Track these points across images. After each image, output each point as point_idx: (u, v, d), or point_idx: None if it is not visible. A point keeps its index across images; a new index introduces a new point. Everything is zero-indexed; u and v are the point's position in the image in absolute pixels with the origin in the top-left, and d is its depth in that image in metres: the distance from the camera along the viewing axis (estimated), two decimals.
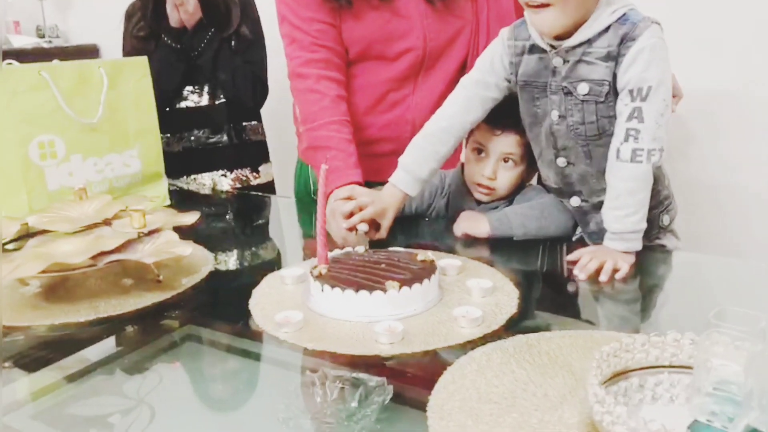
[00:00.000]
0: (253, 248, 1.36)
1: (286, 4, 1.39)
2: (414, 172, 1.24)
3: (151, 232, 1.10)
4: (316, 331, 0.91)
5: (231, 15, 1.75)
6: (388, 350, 0.86)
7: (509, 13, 1.43)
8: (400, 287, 0.94)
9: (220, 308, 1.07)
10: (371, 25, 1.37)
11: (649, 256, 1.15)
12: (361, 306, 0.93)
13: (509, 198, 1.31)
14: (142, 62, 1.49)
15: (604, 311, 1.06)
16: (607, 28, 1.09)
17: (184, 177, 1.81)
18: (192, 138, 1.81)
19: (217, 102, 1.80)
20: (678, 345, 0.76)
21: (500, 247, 1.24)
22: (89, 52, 2.89)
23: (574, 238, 1.27)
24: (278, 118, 1.89)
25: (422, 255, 1.05)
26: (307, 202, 1.61)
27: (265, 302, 1.01)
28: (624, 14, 1.09)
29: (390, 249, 1.12)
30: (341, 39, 1.39)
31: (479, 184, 1.30)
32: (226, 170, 1.84)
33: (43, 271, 0.96)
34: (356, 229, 1.20)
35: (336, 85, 1.37)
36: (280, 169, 1.97)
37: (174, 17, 1.70)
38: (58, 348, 0.93)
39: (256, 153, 1.90)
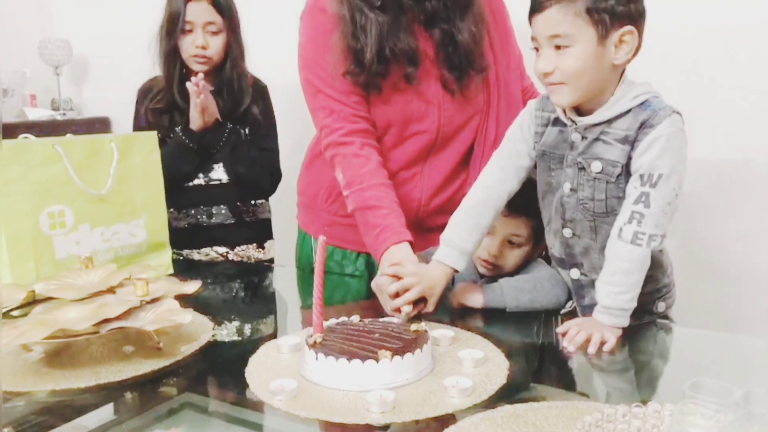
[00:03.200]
0: (252, 317, 1.39)
1: (321, 78, 1.43)
2: (459, 246, 1.26)
3: (153, 300, 1.13)
4: (309, 400, 0.94)
5: (243, 93, 1.83)
6: (379, 419, 0.88)
7: (517, 101, 1.50)
8: (392, 356, 0.97)
9: (217, 376, 1.09)
10: (395, 106, 1.43)
11: (638, 330, 1.17)
12: (353, 375, 0.96)
13: (512, 274, 1.35)
14: (151, 137, 1.55)
15: (592, 382, 1.08)
16: (628, 112, 1.13)
17: (188, 251, 1.85)
18: (199, 215, 1.85)
19: (228, 182, 1.85)
20: (658, 416, 0.78)
21: (494, 317, 1.27)
22: (101, 123, 2.99)
23: (563, 311, 1.30)
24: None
25: (415, 325, 1.08)
26: (307, 272, 1.65)
27: (261, 370, 1.04)
28: (646, 100, 1.13)
29: (384, 319, 1.15)
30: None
31: (483, 260, 1.34)
32: (230, 247, 1.88)
33: (48, 337, 1.00)
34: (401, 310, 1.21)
35: (377, 152, 1.42)
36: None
37: (196, 121, 1.75)
38: (57, 414, 0.96)
39: (262, 230, 1.95)
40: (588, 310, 1.22)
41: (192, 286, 1.21)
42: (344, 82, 1.42)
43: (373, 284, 1.29)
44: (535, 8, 1.12)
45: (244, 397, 0.98)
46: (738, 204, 1.72)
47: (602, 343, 1.10)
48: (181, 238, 1.77)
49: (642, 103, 1.13)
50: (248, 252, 1.90)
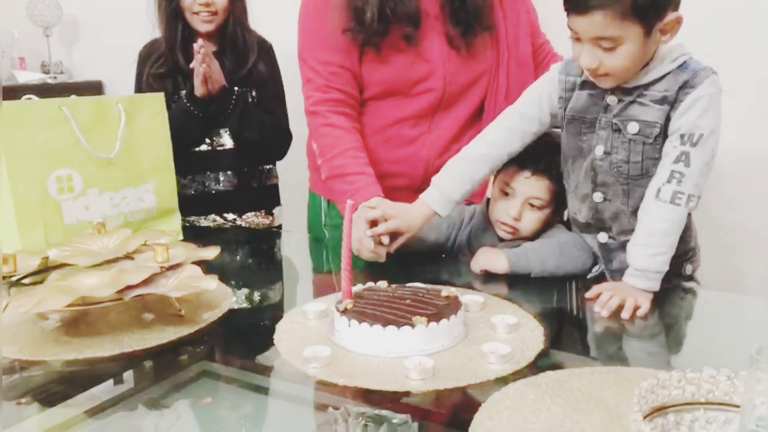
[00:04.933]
0: (269, 283, 1.36)
1: (308, 45, 1.43)
2: (447, 192, 1.25)
3: (172, 267, 1.10)
4: (345, 367, 0.91)
5: (248, 50, 1.77)
6: (419, 386, 0.86)
7: (527, 58, 1.47)
8: (428, 323, 0.94)
9: (244, 343, 1.07)
10: (395, 67, 1.40)
11: (667, 294, 1.16)
12: (389, 341, 0.93)
13: (532, 239, 1.32)
14: (158, 98, 1.50)
15: (627, 348, 1.06)
16: (666, 74, 1.11)
17: (195, 217, 1.81)
18: (205, 181, 1.80)
19: (234, 147, 1.80)
20: (714, 381, 0.76)
21: (518, 283, 1.24)
22: (93, 88, 2.90)
23: (590, 276, 1.28)
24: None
25: (446, 291, 1.06)
26: (319, 234, 1.62)
27: (290, 337, 1.01)
28: (684, 62, 1.11)
29: (411, 284, 1.12)
30: (355, 81, 1.42)
31: (504, 223, 1.32)
32: (237, 214, 1.84)
33: (69, 305, 0.96)
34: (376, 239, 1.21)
35: (346, 118, 1.41)
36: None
37: (201, 90, 1.69)
38: (78, 382, 0.93)
39: (270, 196, 1.90)
40: (617, 274, 1.20)
41: (211, 252, 1.18)
42: (326, 51, 1.40)
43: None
44: (577, 9, 1.07)
45: (276, 365, 0.95)
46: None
47: (636, 308, 1.08)
48: (187, 204, 1.71)
49: (681, 65, 1.12)
50: (256, 219, 1.86)
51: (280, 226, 1.94)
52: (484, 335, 1.00)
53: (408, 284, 1.13)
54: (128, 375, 0.96)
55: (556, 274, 1.25)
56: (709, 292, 1.23)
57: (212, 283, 1.04)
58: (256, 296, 1.26)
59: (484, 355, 0.92)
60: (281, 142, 1.85)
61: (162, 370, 0.97)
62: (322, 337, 1.00)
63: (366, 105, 1.45)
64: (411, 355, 0.91)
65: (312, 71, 1.42)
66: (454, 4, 1.38)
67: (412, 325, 0.94)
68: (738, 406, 0.75)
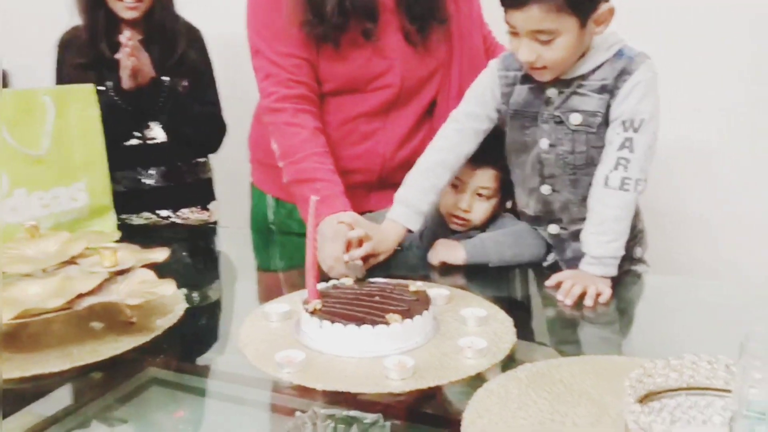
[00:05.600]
0: (220, 283, 1.31)
1: (263, 37, 1.35)
2: (415, 206, 1.23)
3: (122, 271, 1.03)
4: (321, 370, 0.88)
5: (177, 37, 1.68)
6: (401, 386, 0.84)
7: (479, 52, 1.46)
8: (403, 320, 0.92)
9: (206, 350, 1.01)
10: (353, 62, 1.36)
11: (624, 281, 1.18)
12: (364, 341, 0.91)
13: (482, 228, 1.32)
14: (88, 91, 1.41)
15: (593, 335, 1.08)
16: (602, 63, 1.13)
17: (126, 215, 1.70)
18: (136, 177, 1.70)
19: (166, 140, 1.71)
20: (695, 367, 0.78)
21: (477, 274, 1.24)
22: None
23: (545, 264, 1.29)
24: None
25: (413, 285, 1.04)
26: (264, 232, 1.56)
27: (256, 342, 0.96)
28: (619, 49, 1.14)
29: (375, 280, 1.10)
30: (316, 74, 1.37)
31: (455, 216, 1.31)
32: (173, 210, 1.75)
33: (15, 317, 0.87)
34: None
35: (312, 117, 1.35)
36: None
37: (128, 82, 1.58)
38: (27, 401, 0.85)
39: (204, 191, 1.83)
40: (571, 262, 1.22)
41: (161, 254, 1.11)
42: (287, 44, 1.34)
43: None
44: (514, 4, 1.07)
45: (247, 372, 0.91)
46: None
47: (597, 295, 1.10)
48: (117, 202, 1.61)
49: (616, 53, 1.14)
50: (192, 215, 1.78)
51: (216, 222, 1.86)
52: (456, 329, 0.98)
53: (370, 280, 1.10)
54: (81, 389, 0.90)
55: (512, 264, 1.26)
56: (660, 276, 1.27)
57: (170, 288, 0.98)
58: (209, 298, 1.21)
59: (461, 351, 0.91)
60: (217, 133, 1.77)
61: (120, 383, 0.90)
62: (290, 339, 0.96)
63: (322, 101, 1.40)
64: (387, 354, 0.89)
65: (273, 65, 1.34)
66: None
67: (387, 323, 0.91)
68: (718, 390, 0.77)
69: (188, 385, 0.92)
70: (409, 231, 1.23)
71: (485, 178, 1.30)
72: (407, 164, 1.46)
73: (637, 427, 0.66)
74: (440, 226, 1.37)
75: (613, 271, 1.14)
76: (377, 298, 1.00)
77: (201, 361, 0.98)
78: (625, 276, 1.20)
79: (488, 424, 0.75)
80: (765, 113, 1.73)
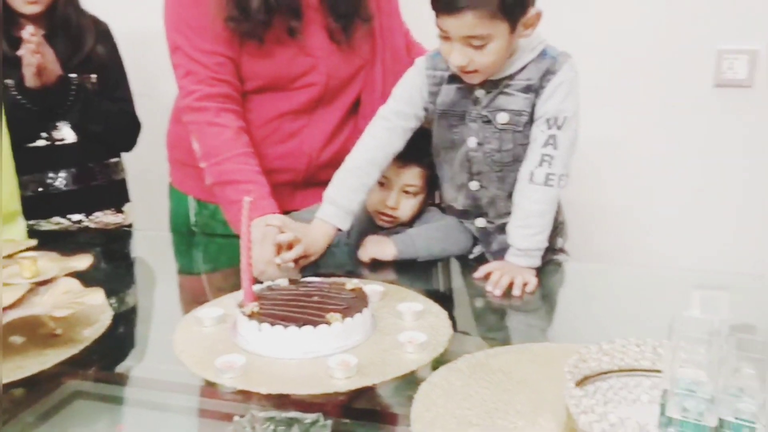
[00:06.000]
0: (144, 289, 1.26)
1: (183, 34, 1.31)
2: (344, 206, 1.22)
3: (44, 282, 0.98)
4: (263, 374, 0.87)
5: (84, 32, 1.60)
6: (346, 385, 0.84)
7: (402, 50, 1.48)
8: (343, 318, 0.93)
9: (140, 360, 0.98)
10: (277, 60, 1.34)
11: (547, 270, 1.23)
12: (305, 342, 0.91)
13: (409, 224, 1.34)
14: None
15: (522, 323, 1.12)
16: (528, 63, 1.17)
17: (35, 221, 1.61)
18: (45, 180, 1.61)
19: (76, 141, 1.62)
20: (624, 350, 0.83)
21: (405, 269, 1.26)
22: None
23: (471, 257, 1.33)
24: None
25: (350, 284, 1.04)
26: (186, 236, 1.52)
27: (192, 348, 0.94)
28: (543, 50, 1.18)
29: (310, 279, 1.09)
30: (238, 72, 1.34)
31: (382, 213, 1.32)
32: (85, 214, 1.67)
33: None
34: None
35: (235, 116, 1.32)
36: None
37: (33, 81, 1.49)
38: None
39: (118, 192, 1.75)
40: (498, 254, 1.26)
41: (83, 261, 1.06)
42: (209, 41, 1.31)
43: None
44: (448, 10, 1.09)
45: (183, 380, 0.89)
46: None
47: (524, 285, 1.14)
48: (25, 207, 1.53)
49: (540, 53, 1.18)
50: (105, 218, 1.71)
51: (131, 225, 1.80)
52: (394, 325, 1.00)
53: (305, 279, 1.10)
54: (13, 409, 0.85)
55: (440, 257, 1.29)
56: (580, 264, 1.34)
57: (98, 296, 0.94)
58: (136, 306, 1.17)
59: (401, 346, 0.92)
60: (131, 131, 1.71)
61: (50, 399, 0.86)
62: (228, 344, 0.95)
63: (245, 100, 1.37)
64: (329, 354, 0.89)
65: (194, 63, 1.31)
66: None
67: (328, 323, 0.92)
68: (646, 370, 0.82)
69: (123, 397, 0.89)
70: (339, 230, 1.23)
71: (411, 175, 1.32)
72: (333, 162, 1.46)
73: (579, 411, 0.70)
74: (368, 223, 1.38)
75: (538, 262, 1.19)
76: (315, 298, 1.00)
77: (135, 371, 0.95)
78: (548, 265, 1.25)
79: (435, 417, 0.77)
80: (668, 109, 1.84)
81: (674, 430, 0.64)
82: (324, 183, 1.47)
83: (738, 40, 1.76)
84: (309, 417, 0.79)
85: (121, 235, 1.66)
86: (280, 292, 1.03)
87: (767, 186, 1.81)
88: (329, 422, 0.79)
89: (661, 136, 1.86)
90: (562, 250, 1.34)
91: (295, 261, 1.16)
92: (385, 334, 0.97)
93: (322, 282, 1.07)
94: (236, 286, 1.13)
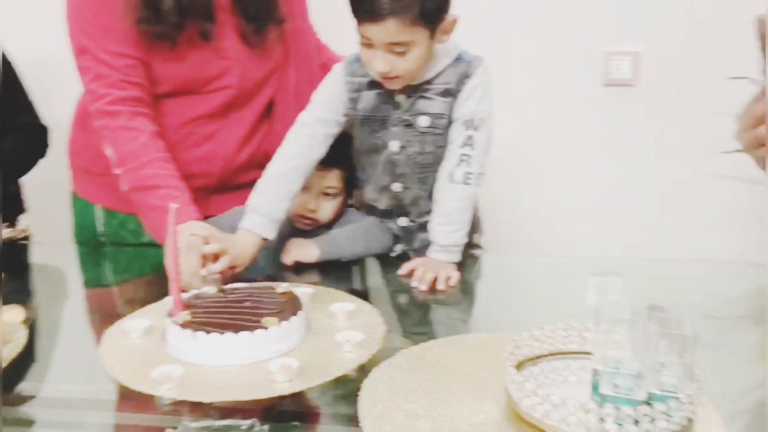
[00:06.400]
0: (55, 304, 1.20)
1: (90, 35, 1.25)
2: (269, 214, 1.21)
3: None
4: (203, 383, 0.85)
5: None
6: (290, 388, 0.84)
7: (313, 53, 1.48)
8: (280, 322, 0.93)
9: (68, 377, 0.94)
10: (190, 63, 1.31)
11: (466, 264, 1.28)
12: (243, 348, 0.90)
13: (329, 225, 1.35)
14: None
15: (446, 315, 1.16)
16: (445, 68, 1.21)
17: None
18: None
19: None
20: (553, 336, 0.88)
21: (329, 270, 1.27)
22: None
23: (393, 255, 1.36)
24: None
25: (280, 287, 1.04)
26: (93, 247, 1.46)
27: (123, 361, 0.91)
28: (458, 54, 1.22)
29: (237, 285, 1.08)
30: (149, 75, 1.30)
31: (302, 216, 1.32)
32: None
33: None
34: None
35: (149, 121, 1.28)
36: None
37: None
38: None
39: (12, 203, 1.64)
40: (420, 251, 1.30)
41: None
42: (118, 43, 1.27)
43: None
44: (371, 17, 1.11)
45: (122, 395, 0.85)
46: None
47: (447, 279, 1.18)
48: None
49: (456, 58, 1.23)
50: None
51: (28, 237, 1.69)
52: (328, 326, 1.01)
53: (233, 286, 1.09)
54: None
55: (364, 257, 1.31)
56: (497, 257, 1.40)
57: (17, 314, 0.89)
58: (50, 321, 1.10)
59: (339, 345, 0.93)
60: (41, 139, 1.60)
61: None
62: (160, 355, 0.92)
63: (157, 103, 1.33)
64: (267, 359, 0.89)
65: (103, 65, 1.26)
66: None
67: (265, 327, 0.91)
68: (574, 353, 0.88)
69: (61, 421, 0.84)
70: (265, 240, 1.22)
71: (331, 178, 1.33)
72: (248, 166, 1.45)
73: (522, 395, 0.74)
74: (287, 226, 1.37)
75: (458, 257, 1.24)
76: (247, 304, 0.99)
77: (69, 391, 0.90)
78: (467, 260, 1.30)
79: (384, 412, 0.78)
80: (562, 108, 1.95)
81: (610, 405, 0.69)
82: (239, 187, 1.47)
83: (622, 43, 1.89)
84: (245, 423, 0.79)
85: (18, 248, 1.55)
86: (209, 299, 1.01)
87: (652, 176, 1.95)
88: (266, 428, 0.80)
89: (556, 134, 1.97)
90: (478, 245, 1.40)
91: (221, 272, 1.14)
92: (320, 336, 0.98)
93: (250, 287, 1.06)
94: (153, 297, 1.11)
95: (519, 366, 0.84)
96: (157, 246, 1.45)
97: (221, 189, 1.43)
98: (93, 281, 1.38)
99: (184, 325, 0.92)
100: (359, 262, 1.31)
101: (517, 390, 0.75)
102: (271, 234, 1.22)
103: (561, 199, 1.99)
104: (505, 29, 1.88)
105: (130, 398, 0.85)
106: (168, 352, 0.93)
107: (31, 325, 1.04)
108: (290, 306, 0.98)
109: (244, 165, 1.45)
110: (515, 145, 1.92)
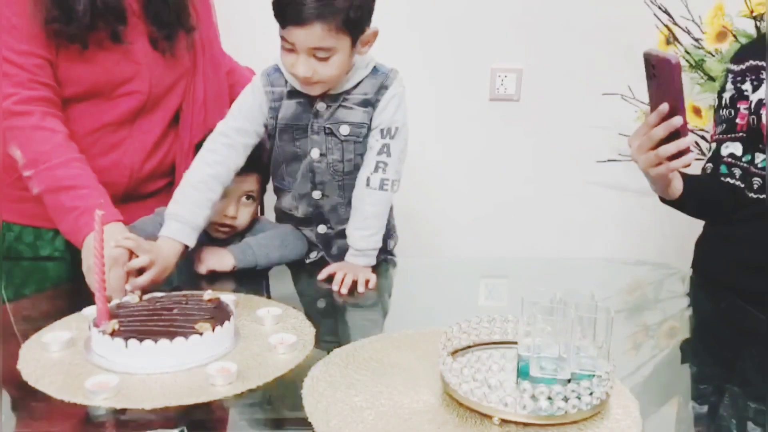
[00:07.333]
0: None
1: None
2: (190, 221, 1.19)
3: None
4: (141, 391, 0.84)
5: None
6: (230, 390, 0.85)
7: (221, 61, 1.49)
8: (213, 328, 0.93)
9: None
10: (99, 65, 1.27)
11: (379, 267, 1.34)
12: (177, 354, 0.89)
13: (242, 234, 1.35)
14: None
15: (363, 315, 1.20)
16: (362, 79, 1.25)
17: None
18: None
19: None
20: (478, 327, 0.95)
21: (247, 277, 1.28)
22: None
23: (309, 261, 1.38)
24: None
25: (207, 294, 1.04)
26: None
27: (50, 375, 0.88)
28: (375, 66, 1.27)
29: (159, 294, 1.07)
30: (57, 77, 1.25)
31: (221, 224, 1.32)
32: None
33: None
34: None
35: (61, 123, 1.23)
36: None
37: None
38: None
39: None
40: (337, 257, 1.33)
41: None
42: (27, 42, 1.22)
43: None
44: (296, 21, 1.14)
45: (56, 408, 0.82)
46: None
47: (366, 282, 1.23)
48: None
49: (372, 70, 1.28)
50: None
51: None
52: (258, 330, 1.02)
53: (152, 295, 1.07)
54: None
55: (278, 264, 1.33)
56: (406, 260, 1.46)
57: None
58: None
59: (273, 348, 0.95)
60: None
61: None
62: (87, 366, 0.90)
63: (65, 108, 1.28)
64: (201, 364, 0.89)
65: (10, 64, 1.20)
66: (155, 4, 1.31)
67: (200, 333, 0.91)
68: (500, 342, 0.95)
69: None
70: (187, 247, 1.21)
71: (250, 182, 1.34)
72: (154, 175, 1.44)
73: (460, 381, 0.80)
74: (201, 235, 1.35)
75: (373, 261, 1.29)
76: (176, 311, 0.98)
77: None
78: (380, 263, 1.35)
79: (329, 406, 0.81)
80: (451, 120, 2.06)
81: (542, 384, 0.76)
82: (144, 196, 1.44)
83: (507, 61, 2.03)
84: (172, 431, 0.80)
85: None
86: (134, 308, 0.99)
87: (534, 182, 2.11)
88: None
89: (446, 144, 2.07)
90: (391, 252, 1.45)
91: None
92: (252, 340, 0.99)
93: (174, 295, 1.05)
94: (55, 312, 1.09)
95: (453, 355, 0.90)
96: (55, 260, 1.40)
97: (126, 199, 1.39)
98: None
99: (114, 334, 0.90)
100: (277, 268, 1.32)
101: (454, 377, 0.81)
102: (191, 241, 1.21)
103: (446, 205, 2.11)
104: (403, 46, 1.96)
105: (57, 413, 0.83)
106: (96, 362, 0.90)
107: None
108: (219, 312, 0.98)
109: (151, 174, 1.42)
110: (410, 153, 2.01)
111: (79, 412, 0.82)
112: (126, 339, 0.89)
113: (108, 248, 1.05)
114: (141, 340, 0.89)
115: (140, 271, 1.12)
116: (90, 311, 1.03)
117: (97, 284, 0.95)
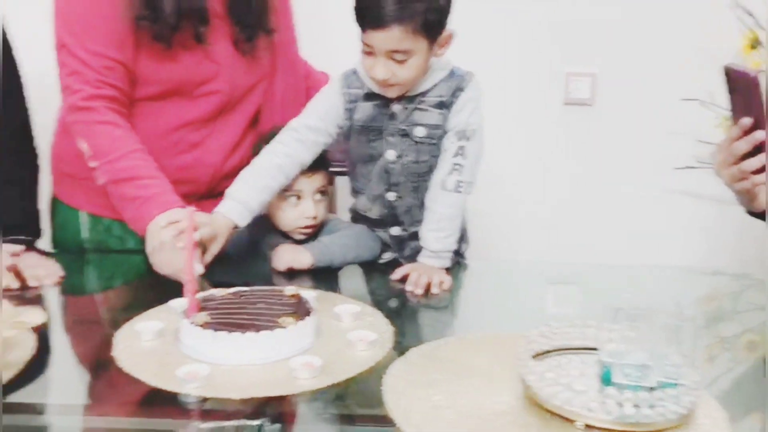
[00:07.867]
0: (53, 310, 1.18)
1: (72, 32, 1.25)
2: (246, 202, 1.25)
3: None
4: (230, 381, 0.88)
5: None
6: (314, 384, 0.88)
7: (298, 65, 1.53)
8: (297, 322, 0.96)
9: (86, 382, 0.94)
10: (181, 65, 1.33)
11: (453, 269, 1.34)
12: (263, 347, 0.93)
13: (316, 232, 1.38)
14: None
15: (437, 318, 1.22)
16: (439, 81, 1.27)
17: None
18: None
19: None
20: (560, 332, 0.94)
21: (321, 276, 1.30)
22: None
23: (382, 262, 1.40)
24: None
25: (288, 290, 1.07)
26: (75, 254, 1.44)
27: (144, 362, 0.92)
28: (451, 69, 1.29)
29: (243, 289, 1.10)
30: (128, 78, 1.31)
31: (304, 227, 1.35)
32: None
33: None
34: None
35: (124, 118, 1.30)
36: None
37: None
38: None
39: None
40: (410, 258, 1.35)
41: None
42: (99, 42, 1.27)
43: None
44: (375, 24, 1.17)
45: (152, 397, 0.87)
46: None
47: (441, 283, 1.24)
48: None
49: (449, 73, 1.29)
50: None
51: None
52: (337, 326, 1.04)
53: (237, 289, 1.10)
54: None
55: (353, 263, 1.35)
56: (479, 263, 1.47)
57: (38, 315, 0.89)
58: (60, 328, 1.09)
59: (353, 345, 0.97)
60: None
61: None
62: (178, 356, 0.94)
63: (141, 106, 1.34)
64: (286, 357, 0.92)
65: (81, 63, 1.26)
66: (239, 5, 1.35)
67: (284, 327, 0.94)
68: (580, 348, 0.94)
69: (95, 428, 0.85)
70: (236, 227, 1.26)
71: (319, 179, 1.37)
72: (235, 173, 1.46)
73: (543, 384, 0.80)
74: (272, 235, 1.39)
75: (448, 263, 1.30)
76: (261, 305, 1.01)
77: (96, 396, 0.91)
78: (452, 267, 1.36)
79: (410, 403, 0.83)
80: (527, 124, 2.05)
81: (628, 391, 0.75)
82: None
83: (581, 64, 2.01)
84: (254, 424, 0.82)
85: None
86: (220, 301, 1.03)
87: (608, 188, 2.07)
88: (277, 426, 0.83)
89: (519, 148, 2.06)
90: (462, 256, 1.46)
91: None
92: (331, 336, 1.01)
93: (258, 290, 1.08)
94: (142, 302, 1.13)
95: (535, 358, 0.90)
96: (141, 252, 1.46)
97: (207, 196, 1.44)
98: (81, 287, 1.36)
99: (204, 326, 0.94)
100: (352, 267, 1.34)
101: (537, 380, 0.81)
102: (243, 221, 1.26)
103: (528, 208, 2.09)
104: (478, 49, 1.96)
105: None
106: (186, 352, 0.94)
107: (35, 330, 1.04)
108: (301, 307, 1.01)
109: (231, 173, 1.46)
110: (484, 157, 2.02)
111: (166, 398, 0.86)
112: (215, 330, 0.92)
113: (170, 231, 1.14)
114: (230, 332, 0.92)
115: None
116: (177, 303, 1.07)
117: (187, 276, 0.99)
